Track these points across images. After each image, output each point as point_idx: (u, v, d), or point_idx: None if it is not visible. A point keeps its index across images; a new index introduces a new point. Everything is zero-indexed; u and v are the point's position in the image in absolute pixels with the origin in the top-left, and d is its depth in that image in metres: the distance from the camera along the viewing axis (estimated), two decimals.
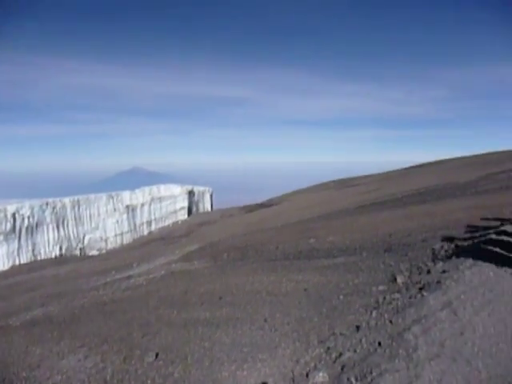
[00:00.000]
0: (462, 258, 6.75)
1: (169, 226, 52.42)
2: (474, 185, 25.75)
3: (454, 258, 7.06)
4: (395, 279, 6.56)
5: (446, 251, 7.98)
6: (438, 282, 5.36)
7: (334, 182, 60.80)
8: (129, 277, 16.61)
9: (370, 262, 8.56)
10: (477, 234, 9.59)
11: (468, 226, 11.10)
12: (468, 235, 9.82)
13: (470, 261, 6.36)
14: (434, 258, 7.78)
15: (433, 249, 8.48)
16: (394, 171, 57.61)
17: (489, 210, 13.23)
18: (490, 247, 7.24)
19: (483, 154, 57.56)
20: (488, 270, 5.56)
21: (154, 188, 53.83)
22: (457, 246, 8.61)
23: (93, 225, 45.65)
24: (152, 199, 52.01)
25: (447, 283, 5.17)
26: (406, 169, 57.68)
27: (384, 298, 5.64)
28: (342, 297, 6.37)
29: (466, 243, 8.66)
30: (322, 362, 3.99)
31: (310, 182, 67.80)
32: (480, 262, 6.08)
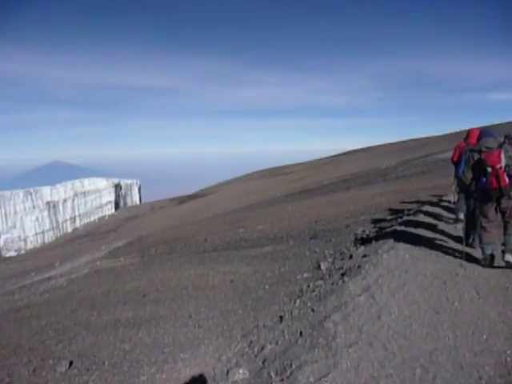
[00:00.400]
0: (381, 242, 6.98)
1: (95, 221, 50.09)
2: (394, 170, 27.17)
3: (374, 241, 7.28)
4: (319, 266, 6.64)
5: (367, 235, 8.25)
6: (359, 267, 5.47)
7: (265, 171, 61.59)
8: (49, 278, 15.54)
9: (296, 250, 8.63)
10: (396, 217, 10.07)
11: (388, 210, 11.64)
12: (388, 218, 10.27)
13: (389, 243, 6.57)
14: (356, 242, 8.01)
15: (355, 234, 8.73)
16: (322, 159, 59.59)
17: (407, 194, 13.98)
18: (408, 228, 7.58)
19: (403, 141, 61.22)
20: (404, 252, 5.76)
21: (78, 182, 51.07)
22: (378, 229, 8.95)
23: (9, 223, 42.37)
24: (75, 194, 49.31)
25: (366, 268, 5.28)
26: (333, 156, 59.86)
27: (308, 286, 5.66)
28: (267, 287, 6.33)
29: (386, 226, 9.03)
30: (244, 357, 3.88)
31: (243, 172, 68.15)
32: (397, 245, 6.30)
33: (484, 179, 4.61)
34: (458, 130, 55.51)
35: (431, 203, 10.32)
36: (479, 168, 4.68)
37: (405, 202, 12.40)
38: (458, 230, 6.86)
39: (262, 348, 3.91)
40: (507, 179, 4.52)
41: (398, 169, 27.52)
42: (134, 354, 4.86)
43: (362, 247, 7.13)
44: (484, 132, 5.09)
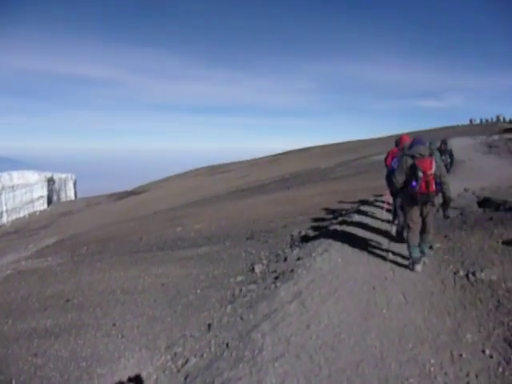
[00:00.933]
0: (316, 243, 6.96)
1: (25, 217, 47.02)
2: (332, 171, 27.88)
3: (309, 243, 7.25)
4: (253, 269, 6.48)
5: (303, 236, 8.22)
6: (292, 271, 5.36)
7: (206, 168, 60.95)
8: None
9: (232, 251, 8.43)
10: (333, 217, 10.18)
11: (326, 210, 11.78)
12: (326, 218, 10.36)
13: (323, 245, 6.55)
14: (292, 244, 7.95)
15: (292, 235, 8.68)
16: (263, 158, 59.98)
17: (345, 195, 14.30)
18: (344, 228, 7.62)
19: (342, 143, 63.20)
20: (337, 256, 5.74)
21: (5, 175, 47.65)
22: (314, 230, 8.98)
23: None
24: (3, 188, 45.98)
25: (299, 272, 5.18)
26: (274, 155, 60.42)
27: (240, 291, 5.47)
28: (199, 291, 6.07)
29: (323, 226, 9.07)
30: (166, 373, 3.60)
31: (183, 169, 66.97)
32: (331, 247, 6.29)
33: (414, 183, 4.77)
34: (391, 134, 58.31)
35: (367, 203, 10.56)
36: (411, 172, 4.82)
37: (342, 202, 12.65)
38: (393, 229, 6.98)
39: (186, 361, 3.65)
40: (434, 186, 4.76)
41: (336, 169, 28.25)
42: (47, 369, 4.41)
43: (297, 249, 7.06)
44: (416, 139, 5.23)
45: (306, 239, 7.98)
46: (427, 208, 4.96)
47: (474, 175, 12.73)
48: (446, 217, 6.07)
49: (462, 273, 4.77)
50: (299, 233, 8.66)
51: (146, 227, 16.43)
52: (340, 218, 9.42)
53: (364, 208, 9.66)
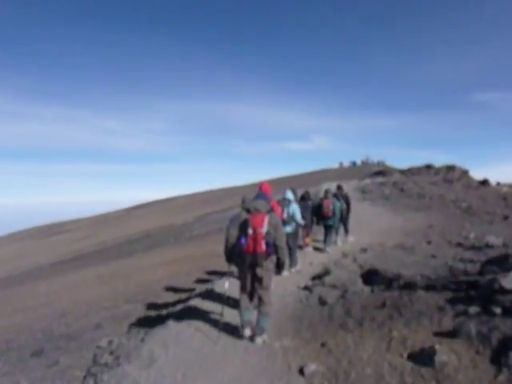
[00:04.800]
0: (125, 369, 4.56)
1: None
2: (190, 227, 25.92)
3: (118, 366, 4.81)
4: None
5: (111, 352, 5.66)
6: None
7: (39, 228, 54.03)
8: None
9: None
10: (168, 305, 7.94)
11: (165, 290, 9.53)
12: (159, 305, 8.13)
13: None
14: (94, 365, 5.39)
15: (98, 347, 6.07)
16: (112, 212, 55.50)
17: (195, 263, 12.36)
18: (180, 327, 5.51)
19: (208, 191, 62.37)
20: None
21: None
22: (141, 325, 6.60)
23: None
24: None
25: None
26: (126, 209, 56.57)
27: None
28: None
29: (153, 318, 6.81)
30: None
31: (7, 230, 58.46)
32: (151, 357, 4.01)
33: (243, 240, 4.70)
34: (260, 179, 59.42)
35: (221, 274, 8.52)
36: (242, 228, 4.79)
37: (190, 274, 10.64)
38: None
39: None
40: (264, 246, 4.64)
41: (194, 225, 26.48)
42: None
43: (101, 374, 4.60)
44: (260, 192, 5.20)
45: (113, 354, 5.48)
46: (259, 271, 4.79)
47: (351, 228, 11.78)
48: (322, 303, 5.73)
49: None
50: (109, 343, 6.09)
51: None
52: (180, 306, 7.21)
53: (210, 289, 7.59)
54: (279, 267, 5.25)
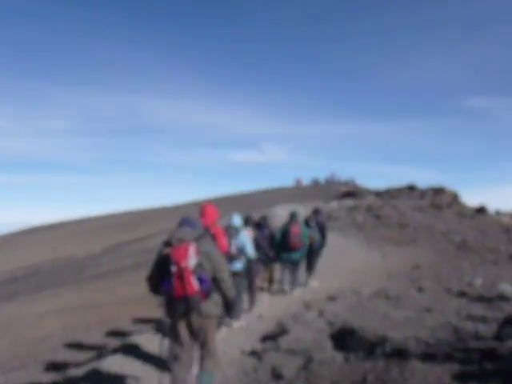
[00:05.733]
0: None
1: None
2: (95, 261, 25.30)
3: None
4: None
5: None
6: None
7: None
8: None
9: None
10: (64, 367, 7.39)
11: (60, 348, 9.00)
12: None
13: None
14: None
15: None
16: None
17: (99, 314, 11.81)
18: None
19: (118, 214, 61.28)
20: None
21: None
22: None
23: None
24: None
25: None
26: (7, 235, 54.80)
27: None
28: None
29: None
30: None
31: None
32: None
33: (166, 283, 4.64)
34: (193, 199, 59.02)
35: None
36: (164, 267, 4.70)
37: (92, 329, 10.21)
38: None
39: None
40: (196, 284, 4.56)
41: (102, 259, 25.97)
42: None
43: None
44: (184, 219, 5.18)
45: None
46: (195, 320, 4.72)
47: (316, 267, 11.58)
48: (276, 376, 5.56)
49: None
50: None
51: None
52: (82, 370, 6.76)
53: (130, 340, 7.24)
54: (228, 309, 5.23)
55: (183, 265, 4.56)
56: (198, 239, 4.80)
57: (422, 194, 35.59)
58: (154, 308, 9.28)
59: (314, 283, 11.12)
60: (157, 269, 4.82)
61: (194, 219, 5.27)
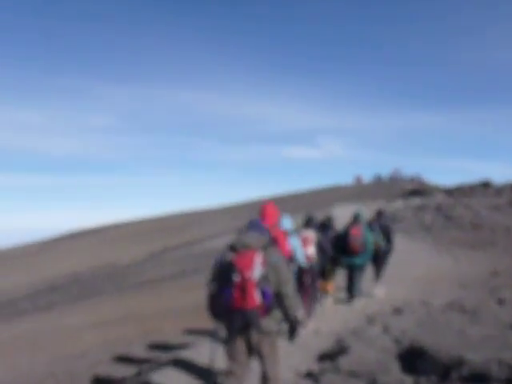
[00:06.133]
0: None
1: None
2: (138, 269, 25.81)
3: None
4: None
5: None
6: None
7: None
8: None
9: None
10: None
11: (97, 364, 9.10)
12: None
13: None
14: None
15: None
16: (25, 246, 55.32)
17: (141, 325, 12.12)
18: None
19: (163, 217, 62.23)
20: None
21: None
22: None
23: None
24: None
25: None
26: (45, 242, 56.42)
27: None
28: None
29: None
30: None
31: None
32: None
33: (227, 291, 4.56)
34: (245, 201, 59.37)
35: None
36: (226, 275, 4.63)
37: (133, 344, 10.29)
38: None
39: None
40: (258, 298, 4.49)
41: (145, 266, 26.45)
42: None
43: None
44: (251, 222, 5.12)
45: None
46: (254, 337, 4.66)
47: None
48: None
49: None
50: None
51: None
52: None
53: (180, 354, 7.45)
54: (292, 327, 5.02)
55: (247, 275, 4.53)
56: (265, 247, 4.77)
57: (499, 190, 34.77)
58: (202, 319, 9.43)
59: (380, 293, 10.97)
60: (219, 277, 4.77)
61: (265, 222, 5.41)
